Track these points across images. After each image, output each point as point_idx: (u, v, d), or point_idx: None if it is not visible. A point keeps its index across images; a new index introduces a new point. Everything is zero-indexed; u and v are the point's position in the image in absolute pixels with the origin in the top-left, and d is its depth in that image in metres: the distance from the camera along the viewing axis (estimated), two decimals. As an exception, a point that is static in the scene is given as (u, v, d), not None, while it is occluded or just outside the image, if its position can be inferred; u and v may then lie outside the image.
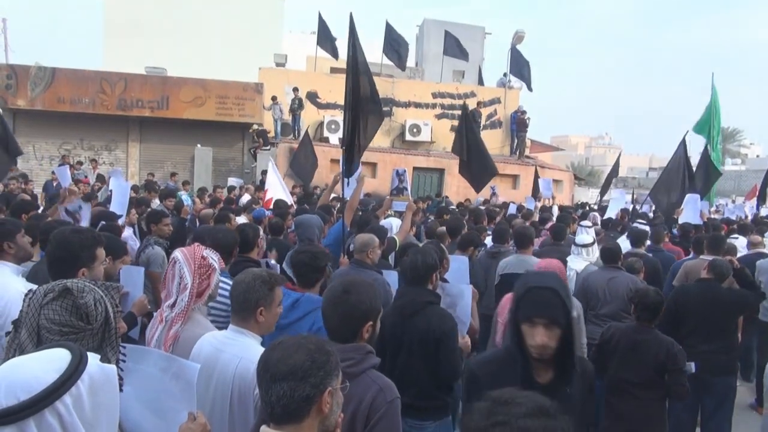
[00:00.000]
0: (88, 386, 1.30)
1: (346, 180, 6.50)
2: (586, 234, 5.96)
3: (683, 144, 9.72)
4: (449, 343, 3.12)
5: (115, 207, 6.55)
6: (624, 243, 6.38)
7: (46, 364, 1.28)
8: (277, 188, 9.34)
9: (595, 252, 5.64)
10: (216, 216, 6.49)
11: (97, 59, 28.82)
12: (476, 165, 8.83)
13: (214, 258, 2.82)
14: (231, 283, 3.02)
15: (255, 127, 18.36)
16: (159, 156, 18.74)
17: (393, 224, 6.80)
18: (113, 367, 1.42)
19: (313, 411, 1.57)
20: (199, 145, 17.93)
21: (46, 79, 16.71)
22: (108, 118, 17.59)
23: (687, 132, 10.15)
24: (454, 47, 21.21)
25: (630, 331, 3.78)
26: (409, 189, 8.79)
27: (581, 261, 5.48)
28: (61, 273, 2.46)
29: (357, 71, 5.59)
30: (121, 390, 1.91)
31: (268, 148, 17.67)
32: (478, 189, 9.10)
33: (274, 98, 17.93)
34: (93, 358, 1.36)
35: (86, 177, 14.18)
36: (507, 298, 3.93)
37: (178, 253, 2.78)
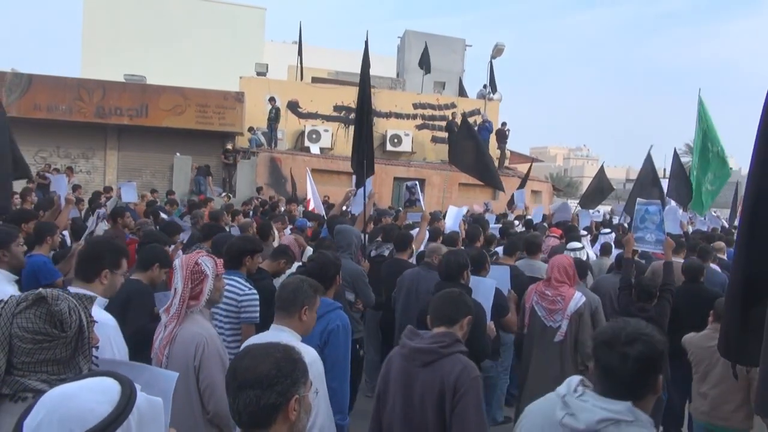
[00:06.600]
0: (137, 419, 1.29)
1: (353, 192, 7.06)
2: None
3: (648, 158, 10.76)
4: (479, 325, 3.64)
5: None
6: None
7: (99, 395, 1.27)
8: (316, 197, 10.38)
9: (583, 254, 6.58)
10: (260, 228, 6.39)
11: (76, 67, 28.51)
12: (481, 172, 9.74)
13: (208, 265, 2.86)
14: (236, 284, 3.62)
15: (228, 147, 18.16)
16: (137, 164, 18.54)
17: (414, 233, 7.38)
18: (160, 400, 1.40)
19: (280, 418, 1.60)
20: (178, 154, 17.78)
21: (22, 85, 16.47)
22: (85, 125, 17.38)
23: (651, 146, 11.16)
24: (426, 59, 21.78)
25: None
26: (421, 201, 8.90)
27: None
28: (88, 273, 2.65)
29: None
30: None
31: (248, 157, 17.62)
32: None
33: (251, 129, 18.05)
34: (140, 389, 1.35)
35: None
36: (531, 288, 4.70)
37: (177, 261, 2.91)
